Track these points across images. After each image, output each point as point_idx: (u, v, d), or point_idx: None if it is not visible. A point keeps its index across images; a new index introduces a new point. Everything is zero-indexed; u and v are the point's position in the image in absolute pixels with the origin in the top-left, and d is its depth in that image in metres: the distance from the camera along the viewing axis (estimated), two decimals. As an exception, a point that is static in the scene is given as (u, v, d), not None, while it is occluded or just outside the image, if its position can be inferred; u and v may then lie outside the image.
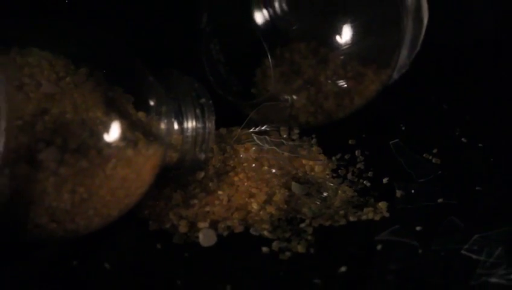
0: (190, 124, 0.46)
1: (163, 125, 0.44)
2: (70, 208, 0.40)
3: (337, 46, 0.53)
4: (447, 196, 0.48)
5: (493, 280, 0.41)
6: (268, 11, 0.54)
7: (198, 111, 0.46)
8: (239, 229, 0.46)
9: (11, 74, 0.39)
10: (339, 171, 0.51)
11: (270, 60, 0.53)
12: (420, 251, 0.43)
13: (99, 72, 0.42)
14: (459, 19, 0.65)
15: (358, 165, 0.51)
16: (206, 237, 0.45)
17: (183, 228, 0.45)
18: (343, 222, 0.46)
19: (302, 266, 0.43)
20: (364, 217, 0.46)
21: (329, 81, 0.53)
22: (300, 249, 0.44)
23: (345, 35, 0.53)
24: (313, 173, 0.50)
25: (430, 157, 0.52)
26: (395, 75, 0.54)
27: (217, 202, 0.46)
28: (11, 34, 0.41)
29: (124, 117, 0.41)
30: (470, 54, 0.64)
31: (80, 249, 0.43)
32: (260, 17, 0.54)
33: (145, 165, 0.43)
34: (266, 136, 0.50)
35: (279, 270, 0.43)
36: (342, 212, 0.47)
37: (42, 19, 0.47)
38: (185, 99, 0.46)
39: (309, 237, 0.45)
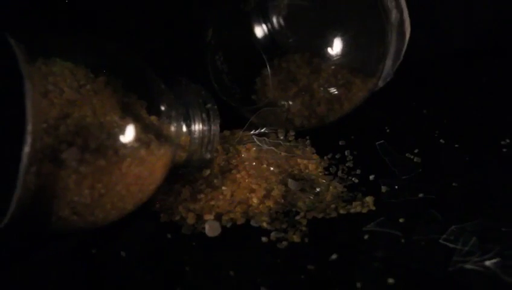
0: (197, 126, 0.46)
1: (173, 128, 0.44)
2: (89, 202, 0.40)
3: (329, 57, 0.53)
4: (426, 191, 0.47)
5: (468, 266, 0.41)
6: (267, 26, 0.54)
7: (204, 115, 0.46)
8: (241, 221, 0.45)
9: (37, 82, 0.39)
10: (330, 169, 0.51)
11: (268, 70, 0.53)
12: (403, 240, 0.43)
13: (116, 80, 0.42)
14: (437, 34, 0.65)
15: (347, 164, 0.51)
16: (211, 228, 0.45)
17: (191, 219, 0.45)
18: (334, 214, 0.46)
19: (298, 254, 0.43)
20: (353, 210, 0.46)
21: (322, 89, 0.53)
22: (296, 238, 0.44)
23: (336, 47, 0.53)
24: (307, 171, 0.50)
25: (412, 157, 0.51)
26: (381, 83, 0.54)
27: (221, 197, 0.46)
28: (37, 46, 0.41)
29: (138, 121, 0.41)
30: (447, 65, 0.65)
31: (98, 239, 0.43)
32: (260, 31, 0.54)
33: (157, 163, 0.43)
34: (265, 138, 0.51)
35: (277, 258, 0.43)
36: (333, 205, 0.47)
37: (65, 32, 0.47)
38: (193, 104, 0.46)
39: (303, 228, 0.45)
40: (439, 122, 0.56)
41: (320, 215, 0.46)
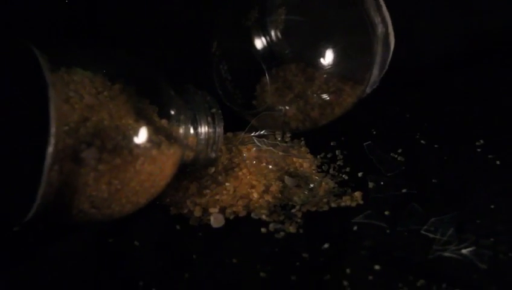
0: (203, 129, 0.45)
1: (181, 130, 0.44)
2: (107, 196, 0.40)
3: (321, 66, 0.53)
4: (409, 187, 0.47)
5: (446, 254, 0.41)
6: (266, 39, 0.54)
7: (210, 119, 0.46)
8: (242, 213, 0.45)
9: (59, 89, 0.39)
10: (323, 167, 0.51)
11: (267, 78, 0.53)
12: (388, 231, 0.43)
13: (130, 88, 0.42)
14: (418, 46, 0.65)
15: (338, 162, 0.51)
16: (216, 220, 0.45)
17: (197, 212, 0.45)
18: (326, 207, 0.46)
19: (293, 243, 0.43)
20: (343, 204, 0.46)
21: (315, 95, 0.53)
22: (292, 229, 0.44)
23: (327, 58, 0.53)
24: (301, 169, 0.50)
25: (396, 156, 0.51)
26: (368, 90, 0.54)
27: (224, 192, 0.46)
28: (59, 56, 0.41)
29: (150, 124, 0.41)
30: (427, 73, 0.64)
31: (115, 229, 0.43)
32: (259, 43, 0.54)
33: (167, 162, 0.43)
34: (264, 139, 0.51)
35: (275, 247, 0.43)
36: (325, 200, 0.47)
37: (84, 43, 0.47)
38: (199, 109, 0.46)
39: (299, 220, 0.45)
40: (420, 125, 0.56)
41: (313, 209, 0.46)
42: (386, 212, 0.45)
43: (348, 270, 0.40)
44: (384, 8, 0.52)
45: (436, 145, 0.53)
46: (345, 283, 0.39)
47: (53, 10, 0.55)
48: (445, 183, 0.48)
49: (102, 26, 0.57)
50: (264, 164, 0.49)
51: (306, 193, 0.47)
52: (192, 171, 0.47)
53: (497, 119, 0.57)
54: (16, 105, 0.42)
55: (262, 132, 0.51)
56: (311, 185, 0.48)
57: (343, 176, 0.50)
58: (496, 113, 0.58)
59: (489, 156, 0.51)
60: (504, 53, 0.66)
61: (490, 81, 0.63)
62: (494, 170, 0.50)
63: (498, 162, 0.50)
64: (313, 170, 0.50)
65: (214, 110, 0.46)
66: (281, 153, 0.50)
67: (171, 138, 0.43)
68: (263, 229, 0.44)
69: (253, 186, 0.47)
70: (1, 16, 0.53)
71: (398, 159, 0.51)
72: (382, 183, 0.48)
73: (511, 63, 0.65)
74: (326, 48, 0.53)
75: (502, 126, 0.55)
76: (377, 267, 0.40)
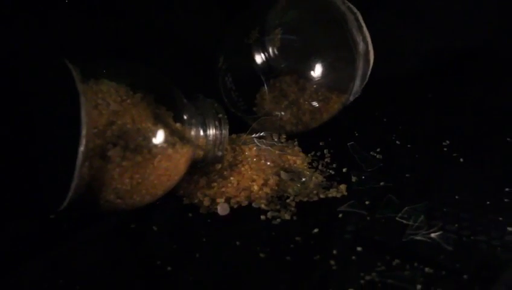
0: (211, 131, 0.45)
1: (193, 132, 0.44)
2: (129, 189, 0.40)
3: (311, 78, 0.53)
4: (386, 181, 0.47)
5: (418, 237, 0.41)
6: (265, 55, 0.54)
7: (217, 122, 0.45)
8: (245, 203, 0.45)
9: (89, 97, 0.39)
10: (313, 163, 0.51)
11: (265, 88, 0.53)
12: (368, 218, 0.43)
13: (149, 96, 0.42)
14: (393, 60, 0.65)
15: (326, 159, 0.51)
16: (222, 209, 0.45)
17: (206, 202, 0.45)
18: (315, 198, 0.46)
19: (288, 228, 0.43)
20: (330, 195, 0.46)
21: (306, 103, 0.53)
22: (287, 216, 0.44)
23: (317, 71, 0.52)
24: (295, 165, 0.50)
25: (375, 155, 0.51)
26: (351, 98, 0.54)
27: (229, 185, 0.46)
28: (89, 70, 0.41)
29: (166, 127, 0.41)
30: (401, 84, 0.64)
31: (136, 217, 0.43)
32: (259, 58, 0.54)
33: (181, 159, 0.43)
34: (263, 140, 0.50)
35: (272, 231, 0.43)
36: (315, 191, 0.46)
37: (111, 59, 0.46)
38: (208, 114, 0.45)
39: (292, 209, 0.45)
40: (396, 128, 0.56)
41: (305, 199, 0.46)
42: (367, 202, 0.45)
43: (334, 252, 0.40)
44: (364, 29, 0.52)
45: (409, 145, 0.53)
46: (332, 262, 0.39)
47: (85, 33, 0.55)
48: (416, 178, 0.48)
49: (126, 44, 0.57)
50: (263, 161, 0.48)
51: (299, 185, 0.47)
52: (202, 167, 0.47)
53: (461, 123, 0.56)
54: (54, 110, 0.42)
55: (261, 134, 0.51)
56: (303, 179, 0.47)
57: (330, 171, 0.49)
58: (459, 118, 0.58)
59: (454, 155, 0.51)
60: (465, 68, 0.66)
61: (455, 91, 0.63)
62: (458, 166, 0.50)
63: (461, 160, 0.50)
64: (305, 166, 0.50)
65: (220, 115, 0.46)
66: (277, 152, 0.50)
67: (184, 139, 0.43)
68: (262, 217, 0.44)
69: (253, 180, 0.47)
70: (43, 38, 0.52)
71: (377, 157, 0.51)
72: (363, 177, 0.48)
73: (471, 76, 0.65)
74: (316, 62, 0.52)
75: (465, 129, 0.55)
76: (359, 248, 0.40)
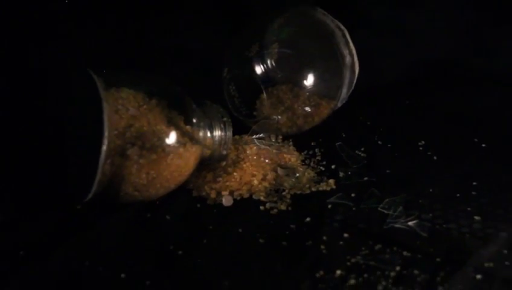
0: (217, 133, 0.45)
1: (201, 134, 0.44)
2: (146, 183, 0.40)
3: (304, 87, 0.53)
4: (369, 176, 0.47)
5: (397, 225, 0.41)
6: (263, 66, 0.54)
7: (222, 125, 0.45)
8: (246, 195, 0.45)
9: (111, 103, 0.39)
10: (306, 161, 0.51)
11: (264, 95, 0.53)
12: (354, 208, 0.43)
13: (163, 102, 0.42)
14: (375, 71, 0.65)
15: (317, 157, 0.51)
16: (226, 200, 0.45)
17: (213, 195, 0.45)
18: (308, 191, 0.46)
19: (284, 217, 0.43)
20: (321, 188, 0.46)
21: (300, 108, 0.53)
22: (283, 207, 0.44)
23: (309, 80, 0.53)
24: (290, 162, 0.50)
25: (360, 153, 0.51)
26: (339, 104, 0.54)
27: (233, 179, 0.46)
28: (111, 79, 0.41)
29: (177, 129, 0.41)
30: (383, 92, 0.64)
31: (152, 207, 0.43)
32: (259, 69, 0.54)
33: (190, 157, 0.43)
34: (262, 140, 0.50)
35: (270, 220, 0.43)
36: (307, 185, 0.46)
37: (129, 70, 0.46)
38: (214, 118, 0.45)
39: (288, 200, 0.45)
40: (378, 130, 0.55)
41: (298, 192, 0.46)
42: (352, 195, 0.45)
43: (324, 238, 0.40)
44: (351, 44, 0.52)
45: (389, 145, 0.53)
46: (322, 246, 0.39)
47: (109, 48, 0.55)
48: (396, 173, 0.48)
49: (144, 57, 0.57)
50: (262, 159, 0.48)
51: (293, 180, 0.47)
52: (209, 164, 0.47)
53: (434, 126, 0.56)
54: (81, 114, 0.42)
55: (261, 135, 0.51)
56: (297, 174, 0.47)
57: (321, 167, 0.49)
58: (433, 121, 0.58)
59: (429, 153, 0.51)
60: (437, 78, 0.66)
61: (428, 98, 0.63)
62: (432, 163, 0.50)
63: (435, 158, 0.50)
64: (299, 163, 0.50)
65: (225, 118, 0.46)
66: (274, 151, 0.50)
67: (194, 140, 0.43)
68: (261, 207, 0.44)
69: (254, 175, 0.47)
70: (75, 53, 0.53)
71: (361, 155, 0.51)
72: (349, 173, 0.48)
73: (442, 85, 0.65)
74: (308, 73, 0.53)
75: (438, 131, 0.55)
76: (345, 235, 0.40)
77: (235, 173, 0.46)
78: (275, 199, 0.45)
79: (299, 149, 0.52)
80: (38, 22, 0.52)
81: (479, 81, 0.65)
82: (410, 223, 0.41)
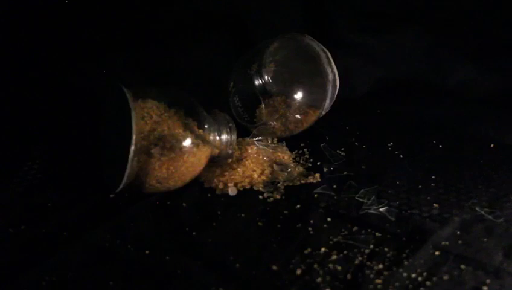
0: (224, 136, 0.45)
1: (211, 137, 0.44)
2: (166, 176, 0.40)
3: (295, 99, 0.53)
4: (348, 171, 0.47)
5: (370, 211, 0.41)
6: (261, 81, 0.54)
7: (228, 130, 0.45)
8: (248, 187, 0.45)
9: (138, 112, 0.39)
10: (296, 159, 0.50)
11: (263, 105, 0.53)
12: (335, 197, 0.43)
13: (181, 111, 0.42)
14: (353, 86, 0.65)
15: (305, 156, 0.51)
16: (232, 191, 0.44)
17: (221, 186, 0.45)
18: (298, 183, 0.46)
19: (278, 205, 0.43)
20: (308, 181, 0.46)
21: (291, 116, 0.53)
22: (277, 196, 0.44)
23: (299, 93, 0.53)
24: (283, 159, 0.49)
25: (340, 152, 0.51)
26: (323, 113, 0.54)
27: (237, 174, 0.46)
28: (138, 92, 0.41)
29: (192, 133, 0.41)
30: (358, 103, 0.64)
31: (171, 196, 0.43)
32: (258, 84, 0.54)
33: (202, 156, 0.42)
34: (261, 142, 0.50)
35: (267, 207, 0.42)
36: (298, 178, 0.46)
37: (153, 84, 0.46)
38: (222, 124, 0.45)
39: (282, 191, 0.44)
40: (355, 133, 0.55)
41: (291, 184, 0.45)
42: (334, 186, 0.45)
43: (311, 221, 0.40)
44: (333, 64, 0.51)
45: (364, 146, 0.52)
46: (310, 228, 0.39)
47: (137, 67, 0.55)
48: (370, 169, 0.48)
49: (164, 74, 0.57)
50: (261, 157, 0.48)
51: (286, 174, 0.47)
52: (217, 161, 0.47)
53: (401, 130, 0.56)
54: (114, 121, 0.42)
55: (259, 138, 0.51)
56: (289, 170, 0.47)
57: (309, 164, 0.49)
58: (399, 126, 0.57)
59: (396, 152, 0.51)
60: (402, 90, 0.65)
61: (396, 107, 0.62)
62: (399, 161, 0.49)
63: (401, 156, 0.50)
64: (291, 160, 0.50)
65: (230, 124, 0.45)
66: (271, 151, 0.49)
67: (205, 141, 0.42)
68: (260, 196, 0.44)
69: (254, 170, 0.46)
70: (108, 70, 0.53)
71: (342, 154, 0.51)
72: (332, 168, 0.48)
73: (407, 97, 0.64)
74: (298, 87, 0.53)
75: (404, 134, 0.55)
76: (329, 219, 0.40)
77: (238, 169, 0.46)
78: (271, 189, 0.45)
79: (291, 149, 0.52)
80: (84, 48, 0.53)
81: (435, 93, 0.65)
82: (381, 209, 0.41)
